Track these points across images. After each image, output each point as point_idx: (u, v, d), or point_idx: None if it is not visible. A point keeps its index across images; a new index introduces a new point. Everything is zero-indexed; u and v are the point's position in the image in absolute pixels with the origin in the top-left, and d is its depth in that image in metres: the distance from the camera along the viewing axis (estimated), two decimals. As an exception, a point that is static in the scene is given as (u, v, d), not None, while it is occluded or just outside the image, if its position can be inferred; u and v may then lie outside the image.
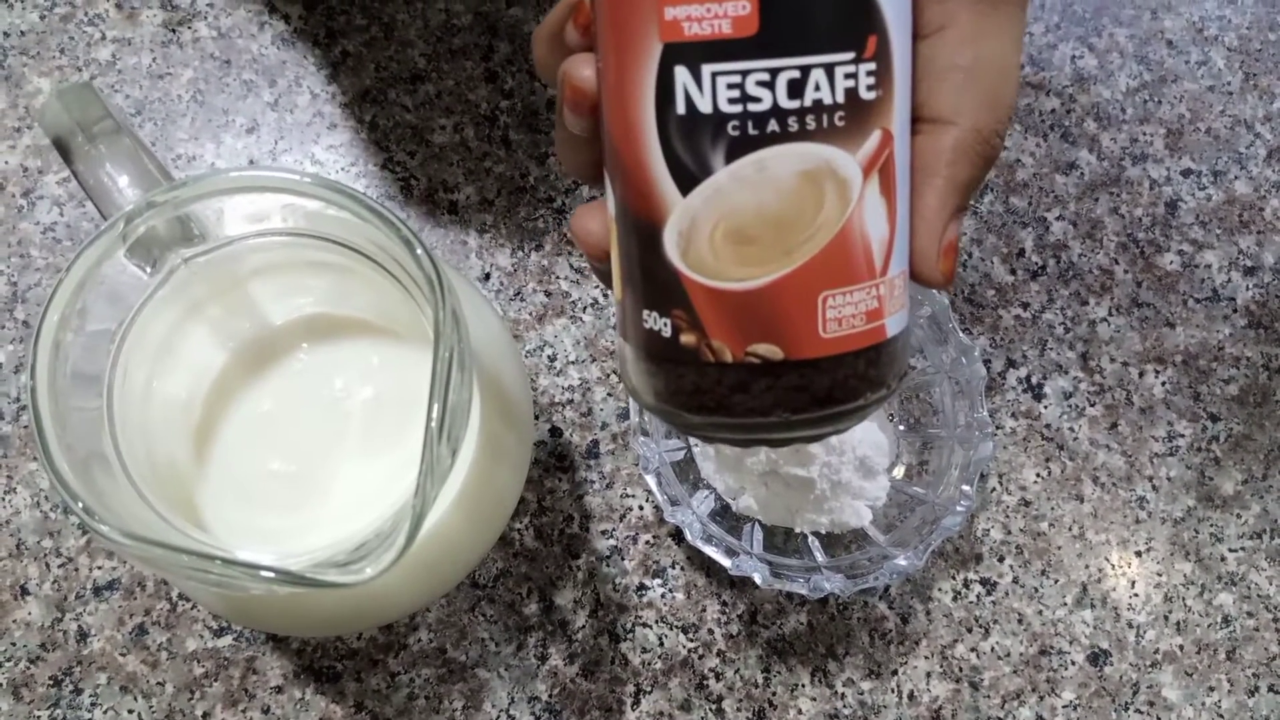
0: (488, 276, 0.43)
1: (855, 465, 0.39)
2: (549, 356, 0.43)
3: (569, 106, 0.22)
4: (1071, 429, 0.43)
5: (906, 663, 0.40)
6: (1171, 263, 0.46)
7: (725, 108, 0.20)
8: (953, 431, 0.40)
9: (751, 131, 0.20)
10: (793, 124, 0.20)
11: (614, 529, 0.41)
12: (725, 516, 0.40)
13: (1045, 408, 0.44)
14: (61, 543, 0.39)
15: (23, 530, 0.39)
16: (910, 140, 0.22)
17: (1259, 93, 0.49)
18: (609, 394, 0.42)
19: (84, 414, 0.26)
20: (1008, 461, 0.43)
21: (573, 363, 0.43)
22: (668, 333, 0.22)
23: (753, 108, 0.20)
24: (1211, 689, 0.41)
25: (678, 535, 0.41)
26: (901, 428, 0.41)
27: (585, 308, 0.43)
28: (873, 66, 0.20)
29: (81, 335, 0.26)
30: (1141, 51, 0.49)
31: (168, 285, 0.28)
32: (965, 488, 0.38)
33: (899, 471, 0.41)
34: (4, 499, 0.39)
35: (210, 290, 0.30)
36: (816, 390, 0.22)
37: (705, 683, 0.39)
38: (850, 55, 0.20)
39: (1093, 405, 0.44)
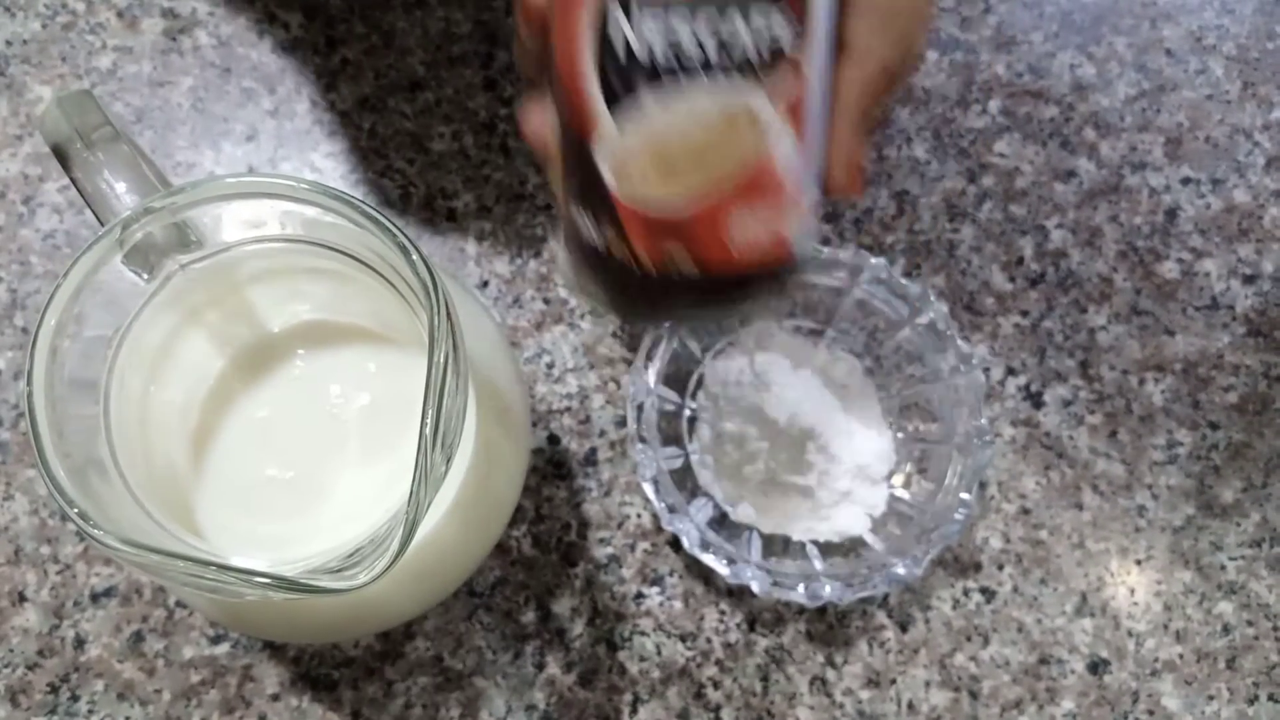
0: (486, 284, 0.43)
1: (854, 473, 0.39)
2: (547, 364, 0.43)
3: (521, 20, 0.25)
4: (1071, 437, 0.43)
5: (905, 672, 0.40)
6: (1171, 271, 0.46)
7: (654, 46, 0.22)
8: (952, 439, 0.40)
9: (678, 69, 0.22)
10: (715, 64, 0.22)
11: (612, 537, 0.41)
12: (723, 524, 0.40)
13: (1044, 416, 0.44)
14: (59, 549, 0.39)
15: (20, 537, 0.39)
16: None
17: (1257, 101, 0.49)
18: (607, 401, 0.42)
19: (81, 420, 0.26)
20: (1007, 470, 0.43)
21: (571, 370, 0.43)
22: (598, 240, 0.25)
23: (679, 48, 0.21)
24: (1211, 698, 0.40)
25: (675, 543, 0.41)
26: (900, 435, 0.41)
27: (584, 315, 0.43)
28: (792, 14, 0.22)
29: (79, 341, 0.26)
30: (1140, 60, 0.49)
31: (165, 291, 0.28)
32: (964, 496, 0.38)
33: (898, 479, 0.41)
34: (2, 505, 0.39)
35: (207, 296, 0.30)
36: (725, 293, 0.25)
37: (703, 691, 0.39)
38: (772, 2, 0.22)
39: (1092, 413, 0.44)
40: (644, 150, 0.23)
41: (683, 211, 0.23)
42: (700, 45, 0.21)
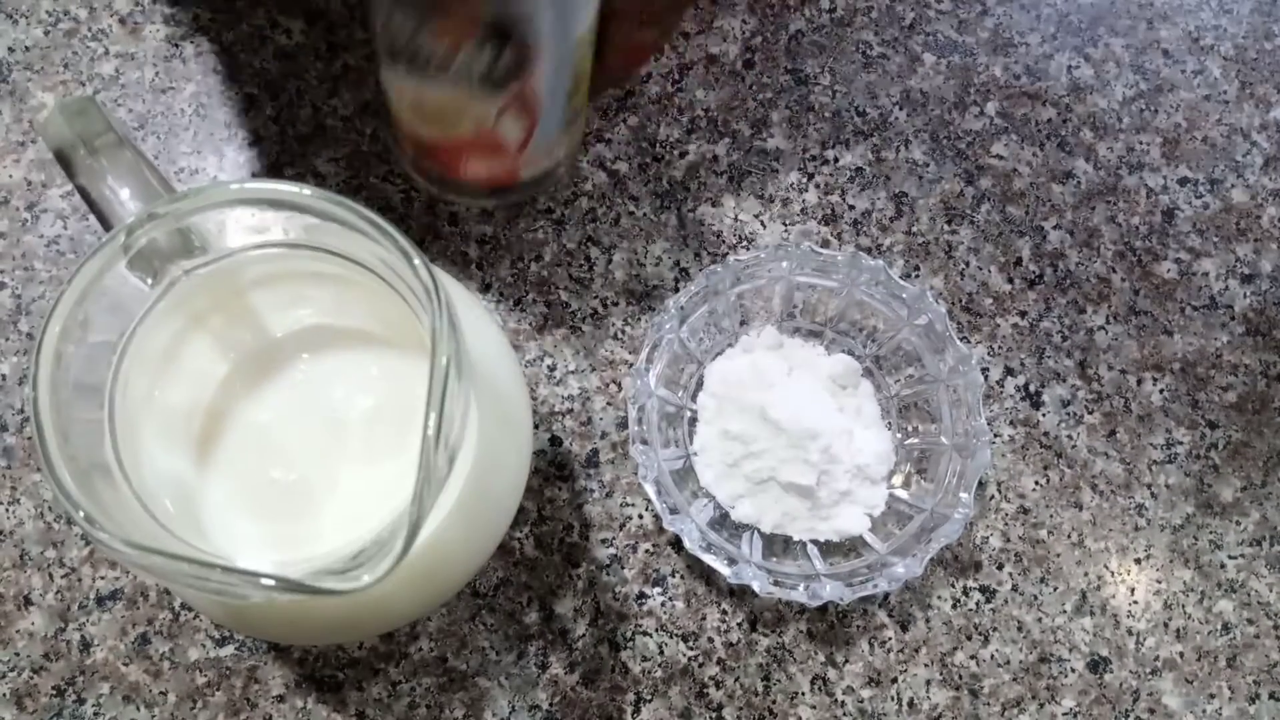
0: (488, 287, 0.44)
1: (854, 473, 0.40)
2: (549, 366, 0.43)
3: None
4: (1070, 437, 0.43)
5: (906, 670, 0.40)
6: (1169, 271, 0.46)
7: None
8: (951, 439, 0.40)
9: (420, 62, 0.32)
10: (458, 71, 0.31)
11: (614, 538, 0.41)
12: (724, 525, 0.40)
13: (1043, 416, 0.44)
14: (65, 553, 0.39)
15: (26, 540, 0.39)
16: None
17: (1255, 101, 0.49)
18: (608, 403, 0.43)
19: (86, 425, 0.26)
20: (1006, 469, 0.43)
21: (572, 372, 0.43)
22: (394, 143, 0.40)
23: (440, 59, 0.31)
24: (1212, 696, 0.41)
25: (677, 544, 0.41)
26: (899, 436, 0.42)
27: (585, 318, 0.43)
28: (519, 55, 0.30)
29: (83, 347, 0.26)
30: (1138, 61, 0.49)
31: (169, 297, 0.28)
32: (963, 495, 0.38)
33: (897, 479, 0.41)
34: (8, 509, 0.40)
35: (211, 301, 0.31)
36: (469, 193, 0.40)
37: (705, 691, 0.39)
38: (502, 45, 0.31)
39: (1091, 413, 0.44)
40: (412, 105, 0.34)
41: (436, 144, 0.35)
42: (430, 54, 0.31)
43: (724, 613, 0.40)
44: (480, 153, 0.34)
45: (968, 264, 0.46)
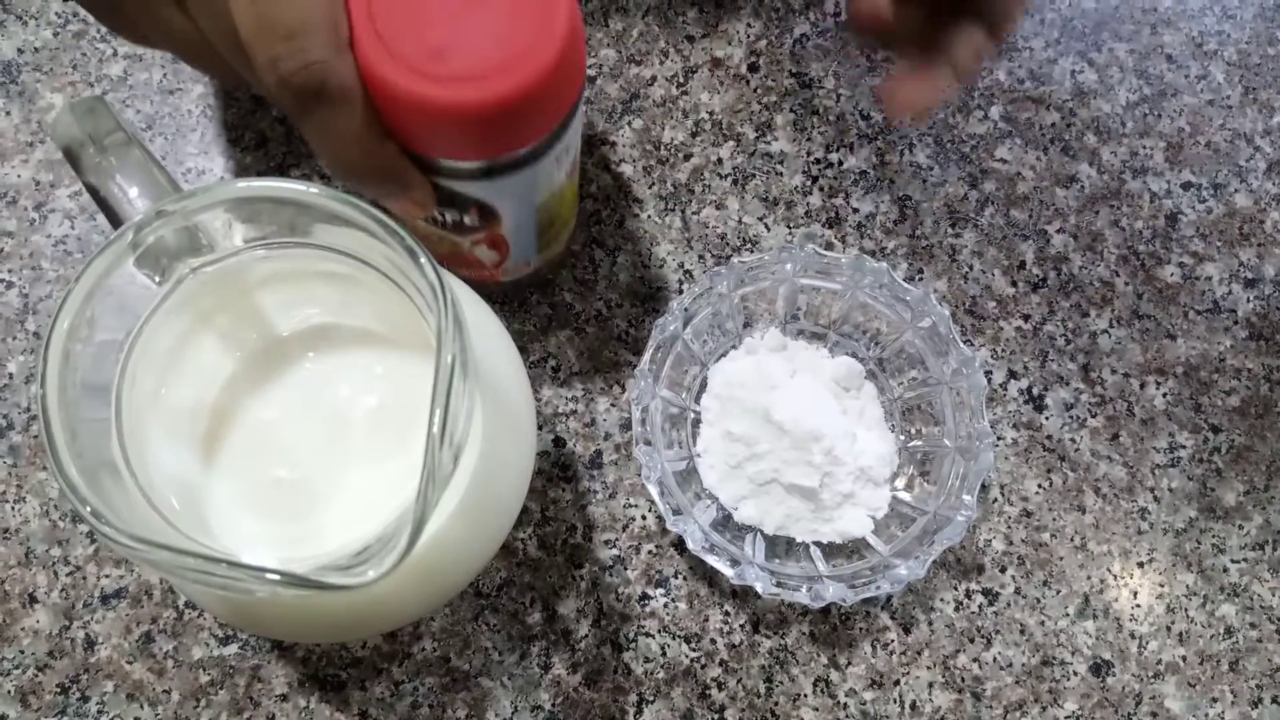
0: (492, 288, 0.44)
1: (857, 475, 0.40)
2: (553, 367, 0.43)
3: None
4: (1073, 440, 0.44)
5: (909, 673, 0.40)
6: (1172, 275, 0.46)
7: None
8: (954, 442, 0.40)
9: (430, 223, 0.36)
10: (438, 222, 0.35)
11: (616, 539, 0.41)
12: (727, 526, 0.40)
13: (1046, 419, 0.44)
14: (70, 551, 0.40)
15: (31, 539, 0.40)
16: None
17: (1258, 106, 0.49)
18: (612, 404, 0.43)
19: (93, 423, 0.26)
20: (1009, 472, 0.43)
21: (576, 374, 0.43)
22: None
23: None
24: (1214, 700, 0.41)
25: (680, 545, 0.41)
26: (902, 438, 0.42)
27: (589, 319, 0.44)
28: (482, 215, 0.34)
29: (90, 345, 0.26)
30: (1141, 66, 0.50)
31: (176, 295, 0.28)
32: (966, 498, 0.38)
33: (900, 482, 0.41)
34: (14, 507, 0.40)
35: (218, 300, 0.31)
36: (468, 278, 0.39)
37: (708, 692, 0.39)
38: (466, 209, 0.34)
39: (1094, 416, 0.44)
40: (415, 229, 0.36)
41: (437, 252, 0.37)
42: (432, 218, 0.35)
43: (726, 614, 0.40)
44: (461, 263, 0.38)
45: (971, 267, 0.46)
